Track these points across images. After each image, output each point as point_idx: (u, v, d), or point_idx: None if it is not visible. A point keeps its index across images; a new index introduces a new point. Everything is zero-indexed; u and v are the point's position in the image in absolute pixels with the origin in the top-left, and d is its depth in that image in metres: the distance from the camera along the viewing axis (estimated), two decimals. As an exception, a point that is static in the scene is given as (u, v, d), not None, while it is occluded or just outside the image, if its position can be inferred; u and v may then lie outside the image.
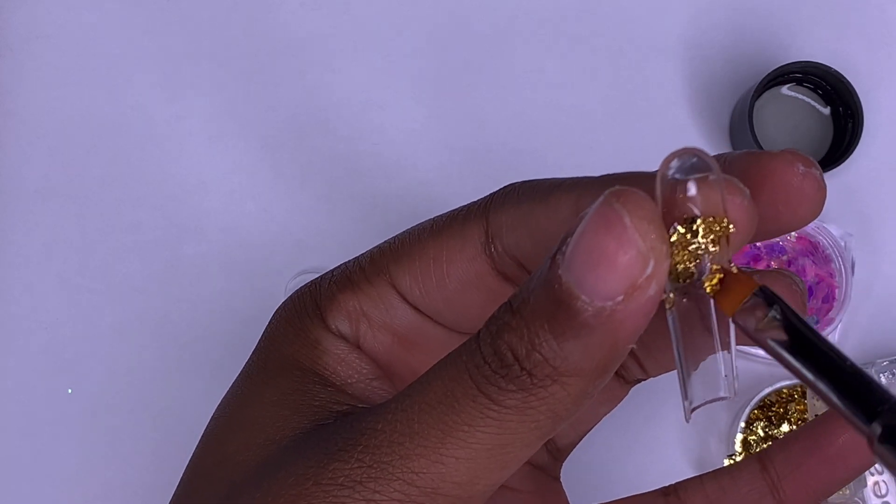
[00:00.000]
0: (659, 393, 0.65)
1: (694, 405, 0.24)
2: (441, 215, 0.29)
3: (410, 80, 0.67)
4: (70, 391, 0.64)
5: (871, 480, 0.60)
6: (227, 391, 0.29)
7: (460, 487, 0.23)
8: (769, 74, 0.62)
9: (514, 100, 0.67)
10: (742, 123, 0.63)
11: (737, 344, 0.24)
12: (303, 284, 0.30)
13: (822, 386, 0.21)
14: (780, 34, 0.67)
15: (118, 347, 0.64)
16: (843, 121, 0.64)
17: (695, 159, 0.22)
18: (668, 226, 0.22)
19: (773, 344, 0.21)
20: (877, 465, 0.60)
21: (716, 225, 0.22)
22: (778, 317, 0.21)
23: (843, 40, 0.67)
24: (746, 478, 0.29)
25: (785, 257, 0.62)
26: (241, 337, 0.64)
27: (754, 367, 0.64)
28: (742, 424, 0.63)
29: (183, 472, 0.28)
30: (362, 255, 0.29)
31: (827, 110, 0.66)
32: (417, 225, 0.29)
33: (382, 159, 0.66)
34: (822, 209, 0.24)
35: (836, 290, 0.62)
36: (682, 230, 0.22)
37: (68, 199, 0.65)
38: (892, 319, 0.65)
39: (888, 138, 0.66)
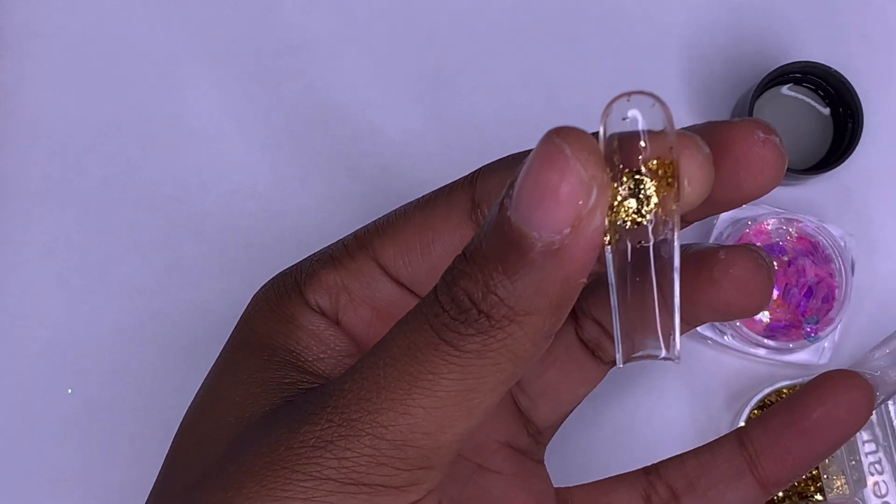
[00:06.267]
0: (657, 391, 0.65)
1: (630, 356, 0.24)
2: (428, 192, 0.29)
3: (411, 80, 0.67)
4: (70, 391, 0.64)
5: (871, 480, 0.60)
6: (206, 374, 0.30)
7: (428, 437, 0.23)
8: (769, 74, 0.62)
9: (514, 100, 0.67)
10: (742, 123, 0.63)
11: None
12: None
13: None
14: (780, 34, 0.67)
15: (118, 347, 0.64)
16: (843, 121, 0.64)
17: (654, 105, 0.22)
18: (616, 173, 0.22)
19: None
20: (877, 466, 0.60)
21: (663, 170, 0.22)
22: None
23: (843, 40, 0.67)
24: (725, 454, 0.31)
25: (785, 257, 0.62)
26: (241, 337, 0.65)
27: (754, 367, 0.64)
28: (742, 424, 0.63)
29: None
30: (346, 235, 0.30)
31: (827, 110, 0.66)
32: (404, 204, 0.30)
33: (382, 159, 0.66)
34: (782, 176, 0.25)
35: (836, 290, 0.62)
36: (626, 179, 0.22)
37: (68, 199, 0.65)
38: (893, 319, 0.65)
39: (888, 138, 0.66)
